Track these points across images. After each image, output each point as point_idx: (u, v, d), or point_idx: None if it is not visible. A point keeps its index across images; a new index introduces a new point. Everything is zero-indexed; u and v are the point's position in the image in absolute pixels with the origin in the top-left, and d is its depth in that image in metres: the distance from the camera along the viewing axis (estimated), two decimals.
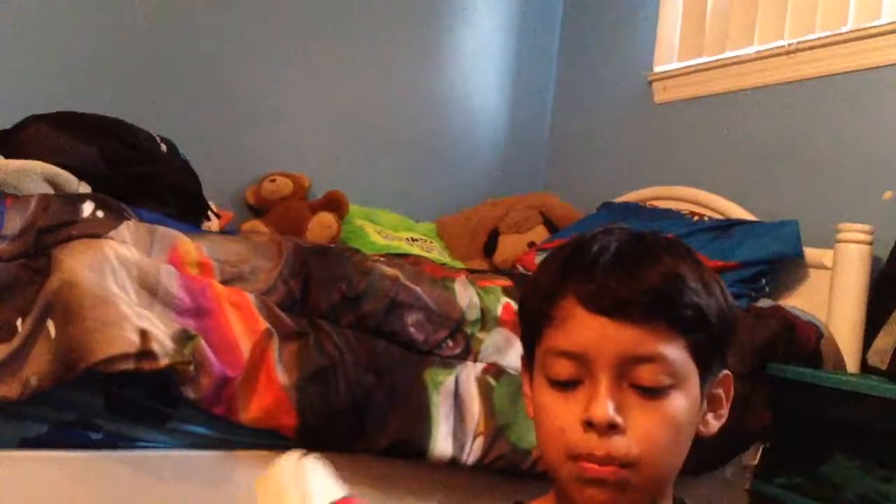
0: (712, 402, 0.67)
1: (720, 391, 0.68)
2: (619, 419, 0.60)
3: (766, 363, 1.64)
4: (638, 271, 0.61)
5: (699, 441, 0.66)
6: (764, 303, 1.83)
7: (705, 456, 1.52)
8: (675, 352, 0.61)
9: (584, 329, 0.61)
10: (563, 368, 0.62)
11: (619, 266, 0.62)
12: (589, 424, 0.60)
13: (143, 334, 1.07)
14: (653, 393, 0.61)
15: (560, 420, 0.62)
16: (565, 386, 0.62)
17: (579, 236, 0.67)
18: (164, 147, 1.86)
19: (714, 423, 0.67)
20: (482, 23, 2.92)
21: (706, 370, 0.64)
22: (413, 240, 2.48)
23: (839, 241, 1.78)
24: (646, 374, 0.61)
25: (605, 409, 0.59)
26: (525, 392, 0.70)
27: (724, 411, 0.68)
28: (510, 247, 2.47)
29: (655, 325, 0.61)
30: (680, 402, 0.62)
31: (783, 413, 1.66)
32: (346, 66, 2.64)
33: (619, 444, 0.60)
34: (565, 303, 0.62)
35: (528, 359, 0.68)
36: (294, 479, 0.48)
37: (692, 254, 0.66)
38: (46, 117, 1.72)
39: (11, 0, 2.09)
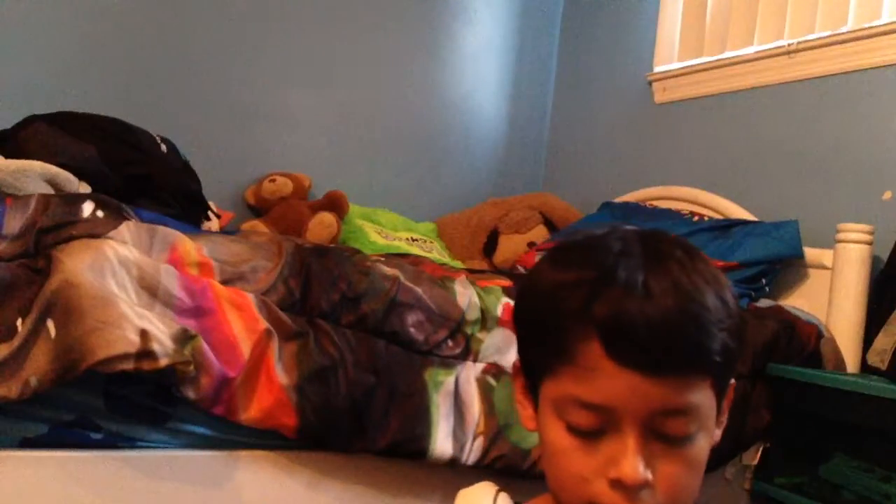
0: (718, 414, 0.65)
1: (725, 401, 0.65)
2: (650, 477, 0.57)
3: (766, 363, 1.64)
4: (672, 321, 0.56)
5: None
6: (764, 303, 1.84)
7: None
8: (703, 397, 0.59)
9: (614, 383, 0.57)
10: (586, 419, 0.58)
11: (653, 314, 0.56)
12: (618, 483, 0.57)
13: (143, 334, 1.07)
14: (680, 442, 0.59)
15: (581, 469, 0.59)
16: (586, 435, 0.59)
17: (601, 253, 0.60)
18: (164, 147, 1.86)
19: (718, 433, 0.65)
20: (482, 23, 2.92)
21: (721, 397, 0.62)
22: (413, 240, 2.48)
23: (839, 241, 1.78)
24: (676, 427, 0.58)
25: (637, 469, 0.56)
26: (519, 400, 0.67)
27: (725, 417, 0.66)
28: (510, 247, 2.47)
29: (687, 377, 0.58)
30: (703, 443, 0.60)
31: (783, 413, 1.66)
32: (347, 67, 2.64)
33: (648, 499, 0.58)
34: (590, 349, 0.57)
35: (529, 377, 0.65)
36: None
37: (703, 259, 0.62)
38: (46, 117, 1.72)
39: (11, 0, 2.09)
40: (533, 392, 0.65)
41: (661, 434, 0.58)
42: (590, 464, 0.58)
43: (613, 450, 0.58)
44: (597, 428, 0.58)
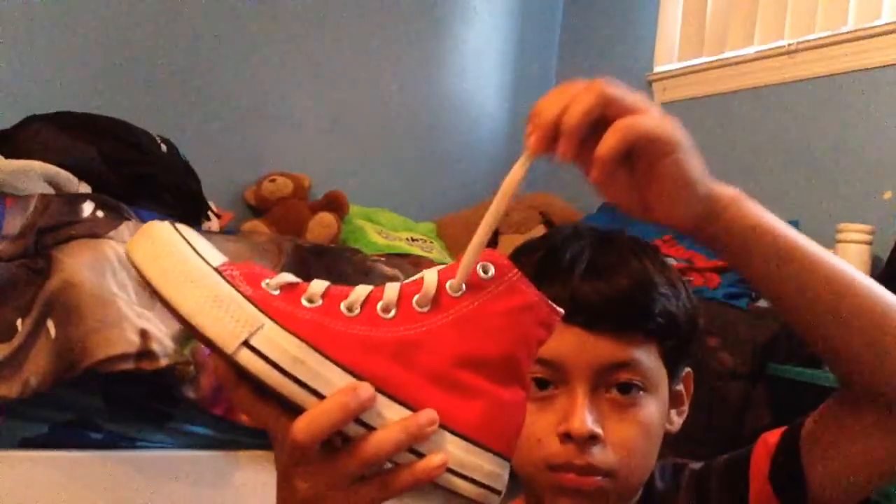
0: (675, 400, 0.68)
1: (681, 388, 0.69)
2: (598, 430, 0.60)
3: (766, 363, 1.64)
4: (612, 281, 0.62)
5: (675, 440, 0.67)
6: (764, 303, 1.83)
7: (705, 456, 1.52)
8: (649, 357, 0.62)
9: (561, 339, 0.59)
10: (537, 371, 0.62)
11: (594, 276, 0.62)
12: (567, 437, 0.60)
13: (144, 334, 1.07)
14: (627, 397, 0.61)
15: (534, 429, 0.61)
16: (540, 387, 0.62)
17: (549, 239, 0.67)
18: (164, 147, 1.86)
19: (678, 420, 0.68)
20: (482, 22, 2.92)
21: (674, 372, 0.66)
22: (413, 240, 2.48)
23: (839, 241, 1.78)
24: (622, 377, 0.61)
25: (584, 421, 0.59)
26: None
27: (686, 407, 0.69)
28: (510, 247, 2.46)
29: (630, 333, 0.61)
30: (653, 408, 0.63)
31: (783, 413, 1.65)
32: (347, 66, 2.64)
33: (599, 455, 0.60)
34: None
35: None
36: (180, 237, 0.42)
37: (659, 255, 0.67)
38: (46, 117, 1.72)
39: (11, 0, 2.09)
40: None
41: (610, 389, 0.61)
42: (543, 423, 0.61)
43: (563, 406, 0.61)
44: (546, 378, 0.62)
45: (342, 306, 0.43)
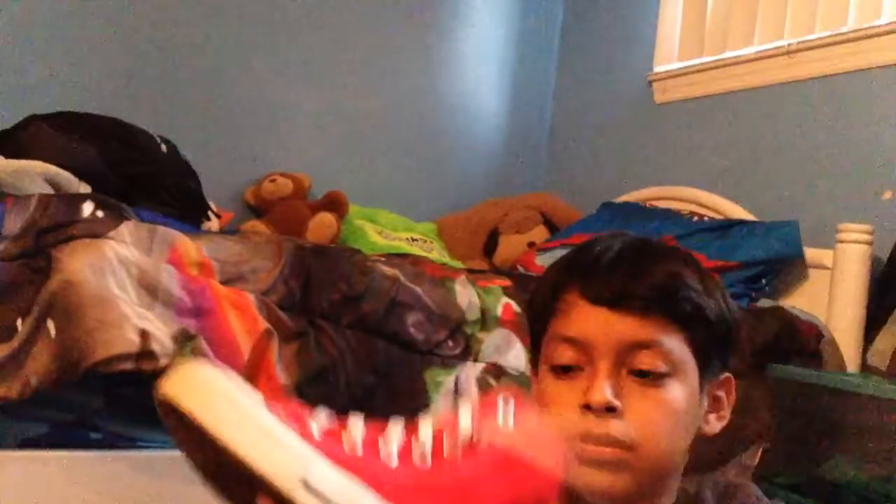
0: (714, 403, 0.70)
1: (722, 393, 0.71)
2: (616, 402, 0.62)
3: (766, 363, 1.64)
4: (639, 269, 0.64)
5: (701, 440, 0.67)
6: (764, 303, 1.83)
7: (705, 456, 1.52)
8: (673, 342, 0.64)
9: (586, 318, 0.64)
10: (565, 353, 0.65)
11: (621, 263, 0.65)
12: (587, 408, 0.62)
13: (144, 334, 1.07)
14: (650, 378, 0.63)
15: (559, 405, 0.64)
16: (566, 370, 0.65)
17: (584, 242, 0.71)
18: (164, 147, 1.86)
19: (716, 424, 0.70)
20: (482, 23, 2.92)
21: (706, 367, 0.67)
22: (413, 240, 2.48)
23: (839, 241, 1.78)
24: (644, 359, 0.63)
25: (603, 392, 0.61)
26: (533, 391, 0.72)
27: (726, 413, 0.71)
28: (510, 247, 2.47)
29: (655, 317, 0.63)
30: (678, 392, 0.64)
31: (783, 413, 1.66)
32: (346, 67, 2.64)
33: (617, 426, 0.62)
34: (569, 295, 0.65)
35: (535, 356, 0.70)
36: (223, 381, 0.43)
37: (694, 259, 0.69)
38: (46, 117, 1.72)
39: (12, 0, 2.09)
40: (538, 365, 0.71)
41: (633, 370, 0.63)
42: (568, 399, 0.63)
43: (587, 381, 0.63)
44: (574, 363, 0.64)
45: (382, 455, 0.45)
